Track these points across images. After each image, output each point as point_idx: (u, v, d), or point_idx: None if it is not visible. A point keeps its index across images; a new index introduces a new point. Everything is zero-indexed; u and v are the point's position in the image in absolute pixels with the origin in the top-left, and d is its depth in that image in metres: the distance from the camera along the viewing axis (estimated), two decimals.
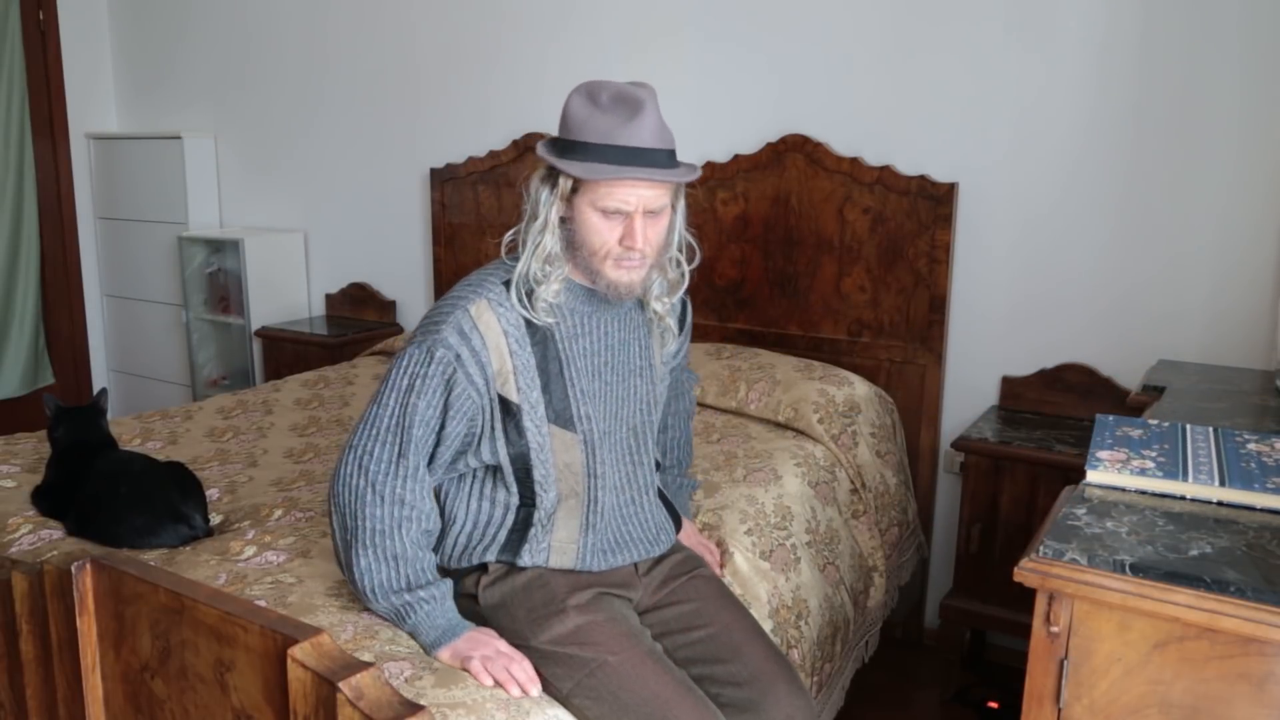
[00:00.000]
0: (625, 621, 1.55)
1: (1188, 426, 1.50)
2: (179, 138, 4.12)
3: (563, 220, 1.54)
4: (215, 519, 2.04)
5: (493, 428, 1.54)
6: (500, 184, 3.43)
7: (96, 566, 1.36)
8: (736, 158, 2.96)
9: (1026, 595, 1.15)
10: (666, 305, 1.65)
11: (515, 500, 1.58)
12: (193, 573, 1.71)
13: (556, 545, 1.58)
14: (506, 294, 1.53)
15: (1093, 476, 1.31)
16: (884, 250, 2.78)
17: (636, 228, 1.49)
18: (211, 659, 1.25)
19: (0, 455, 2.33)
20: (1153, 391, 1.88)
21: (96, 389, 4.55)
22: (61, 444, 2.10)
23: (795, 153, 2.86)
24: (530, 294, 1.53)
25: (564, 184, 1.51)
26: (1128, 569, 1.07)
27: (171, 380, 4.36)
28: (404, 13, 3.62)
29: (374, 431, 1.49)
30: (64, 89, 4.31)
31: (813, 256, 2.88)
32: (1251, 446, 1.41)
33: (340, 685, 1.11)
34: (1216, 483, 1.26)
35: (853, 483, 2.47)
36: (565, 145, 1.51)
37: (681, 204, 1.60)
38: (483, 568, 1.60)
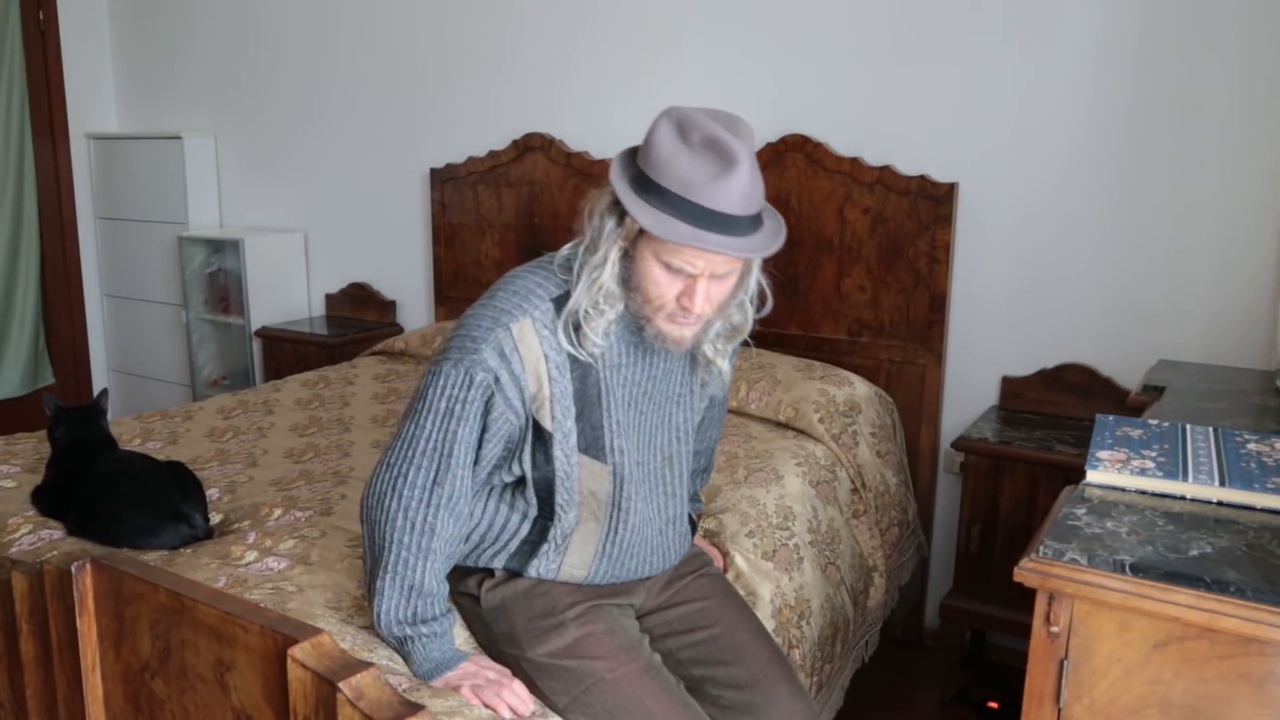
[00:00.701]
0: (624, 633, 1.53)
1: (1188, 426, 1.49)
2: (179, 138, 4.12)
3: (623, 252, 1.41)
4: (215, 519, 2.04)
5: (521, 449, 1.48)
6: (500, 184, 3.43)
7: (96, 566, 1.36)
8: None
9: (1026, 595, 1.15)
10: (721, 352, 1.54)
11: (533, 511, 1.52)
12: (192, 576, 1.71)
13: (567, 566, 1.54)
14: (555, 317, 1.42)
15: (1093, 476, 1.31)
16: (884, 250, 2.78)
17: (698, 291, 1.37)
18: (211, 659, 1.25)
19: (0, 455, 2.33)
20: (1153, 391, 1.88)
21: (96, 389, 4.55)
22: (61, 444, 2.10)
23: (795, 153, 2.86)
24: (578, 327, 1.42)
25: (631, 223, 1.38)
26: (1128, 569, 1.07)
27: (172, 380, 4.36)
28: (404, 13, 3.62)
29: (410, 453, 1.42)
30: (64, 89, 4.31)
31: (813, 256, 2.88)
32: (1251, 446, 1.41)
33: (340, 685, 1.11)
34: (1216, 483, 1.26)
35: (853, 482, 2.47)
36: (642, 179, 1.37)
37: (758, 259, 1.46)
38: (489, 571, 1.57)
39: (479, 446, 1.44)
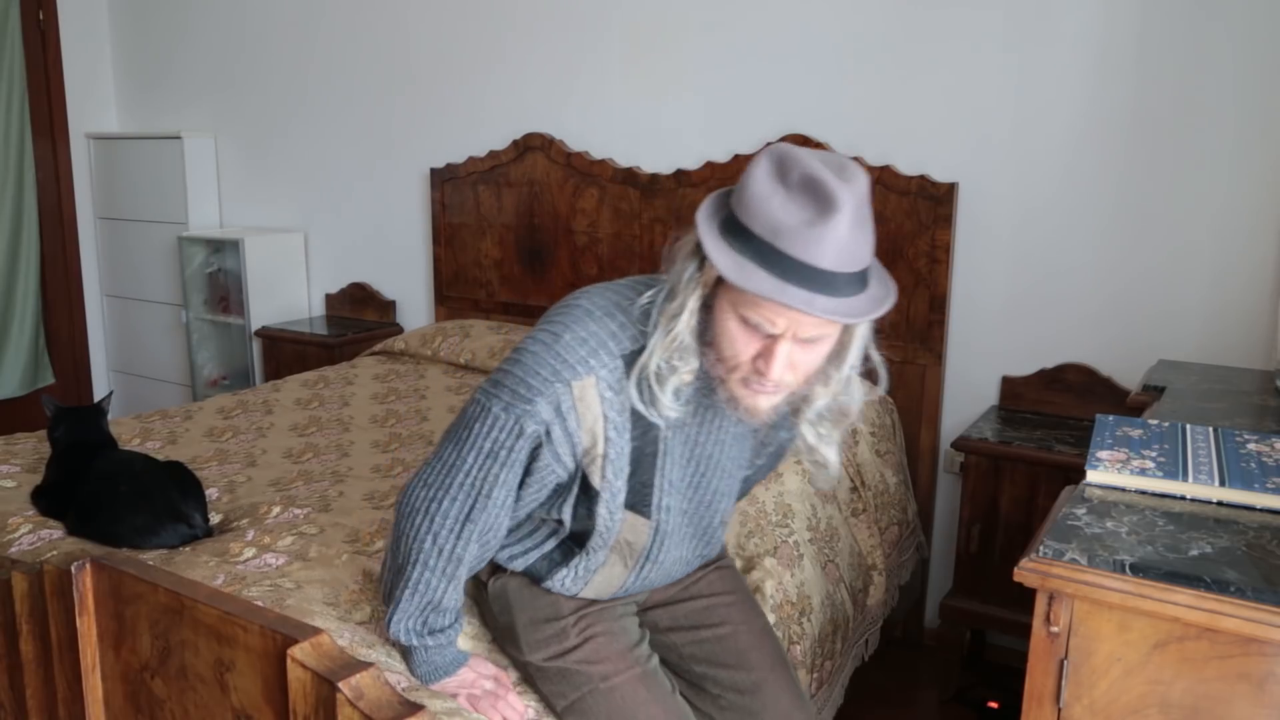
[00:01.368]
0: (624, 635, 1.50)
1: (1188, 426, 1.49)
2: (179, 138, 4.12)
3: (703, 303, 1.25)
4: (214, 519, 2.04)
5: (565, 498, 1.39)
6: (500, 184, 3.43)
7: (96, 566, 1.36)
8: (736, 158, 2.96)
9: (1026, 595, 1.15)
10: (826, 438, 1.34)
11: (564, 534, 1.45)
12: (191, 574, 1.71)
13: (586, 591, 1.49)
14: (624, 375, 1.29)
15: (1093, 476, 1.31)
16: (884, 250, 2.76)
17: (778, 355, 1.19)
18: (211, 659, 1.25)
19: (0, 455, 2.33)
20: (1153, 391, 1.88)
21: (96, 389, 4.55)
22: (61, 444, 2.10)
23: None
24: (650, 385, 1.28)
25: (710, 269, 1.22)
26: (1128, 569, 1.07)
27: (171, 380, 4.36)
28: (404, 13, 3.62)
29: (448, 482, 1.34)
30: (64, 89, 4.31)
31: None
32: (1251, 446, 1.41)
33: (340, 685, 1.11)
34: (1216, 483, 1.26)
35: (852, 481, 2.47)
36: (731, 221, 1.19)
37: (864, 327, 1.29)
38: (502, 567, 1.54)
39: (520, 487, 1.36)
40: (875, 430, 2.63)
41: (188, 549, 1.87)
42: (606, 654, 1.46)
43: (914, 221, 2.72)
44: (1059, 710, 1.13)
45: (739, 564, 1.97)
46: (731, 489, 1.49)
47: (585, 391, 1.28)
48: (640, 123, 3.18)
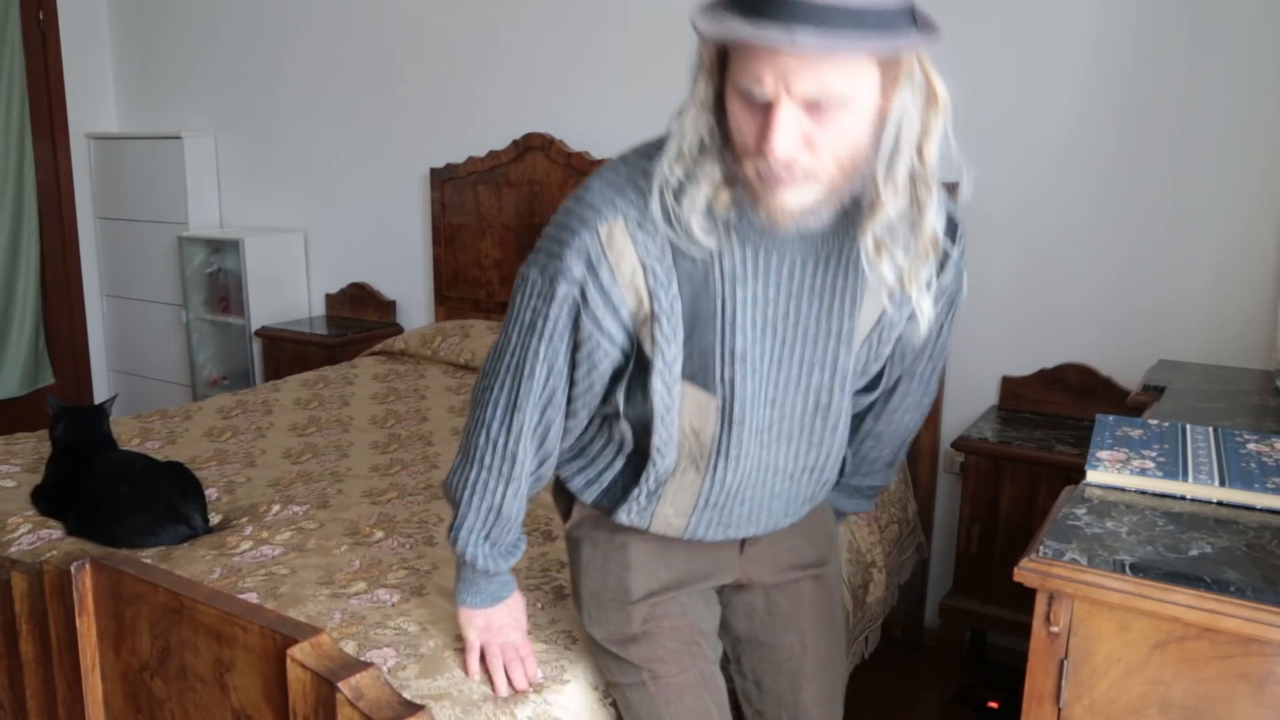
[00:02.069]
0: (689, 631, 1.38)
1: (1188, 426, 1.49)
2: (179, 138, 4.12)
3: (716, 97, 1.06)
4: (214, 519, 2.04)
5: (619, 385, 1.23)
6: (500, 184, 3.43)
7: (96, 567, 1.36)
8: None
9: (1026, 595, 1.15)
10: (911, 276, 1.10)
11: (629, 446, 1.28)
12: (188, 568, 1.72)
13: (661, 516, 1.30)
14: (647, 209, 1.11)
15: (1093, 476, 1.31)
16: None
17: (777, 123, 0.98)
18: (211, 659, 1.25)
19: (0, 455, 2.33)
20: (1153, 391, 1.88)
21: (96, 389, 4.55)
22: (61, 443, 2.10)
23: None
24: (671, 207, 1.10)
25: (705, 48, 1.04)
26: (1128, 569, 1.07)
27: (171, 380, 4.36)
28: (404, 13, 3.62)
29: (496, 367, 1.23)
30: (64, 89, 4.31)
31: None
32: (1251, 446, 1.41)
33: (340, 685, 1.11)
34: (1216, 483, 1.26)
35: None
36: None
37: (912, 101, 1.05)
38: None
39: (572, 374, 1.21)
40: None
41: (185, 545, 1.87)
42: (664, 652, 1.35)
43: None
44: (1059, 710, 1.13)
45: None
46: (835, 391, 1.22)
47: (614, 235, 1.12)
48: (640, 123, 3.17)
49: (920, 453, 2.82)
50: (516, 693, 1.40)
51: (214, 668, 1.25)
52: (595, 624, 1.39)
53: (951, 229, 1.18)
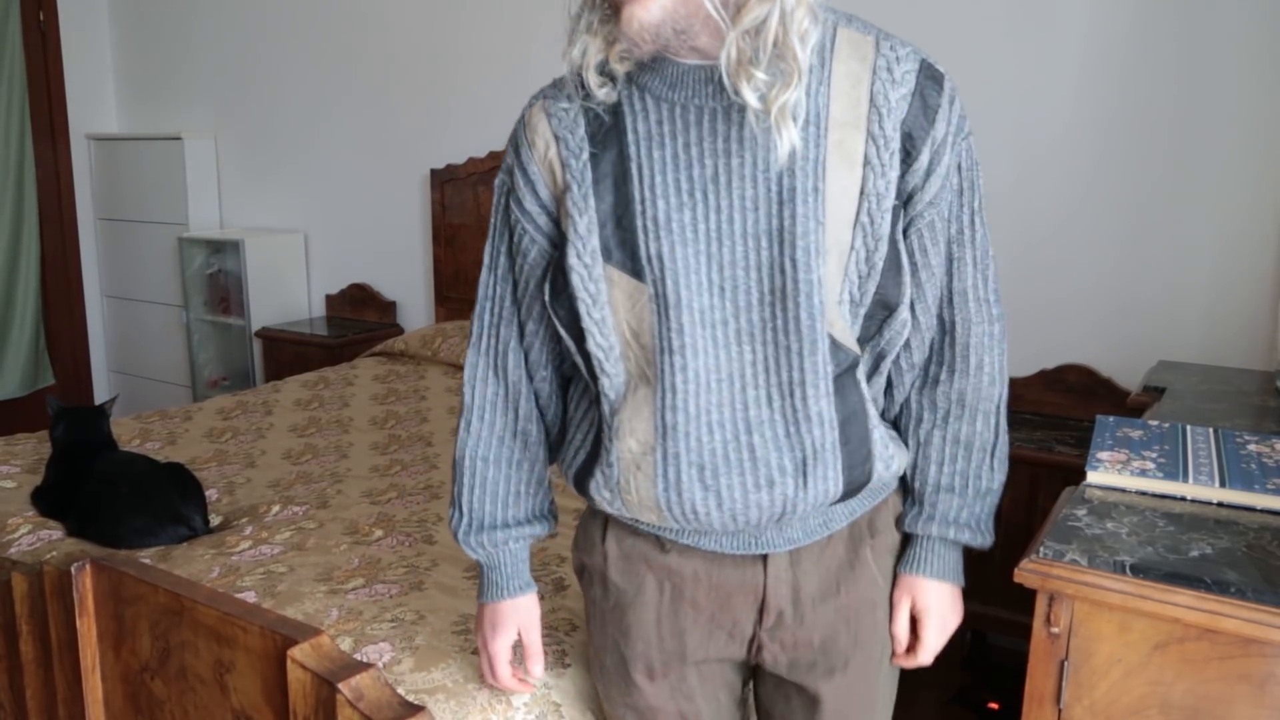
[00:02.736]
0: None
1: (1188, 427, 1.49)
2: (179, 139, 4.12)
3: None
4: (214, 520, 2.04)
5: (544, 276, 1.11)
6: None
7: (96, 567, 1.36)
8: None
9: (1027, 596, 1.15)
10: (760, 93, 0.95)
11: (593, 391, 1.11)
12: (187, 567, 1.72)
13: (626, 464, 1.06)
14: (563, 84, 1.07)
15: (1093, 477, 1.31)
16: None
17: None
18: (211, 660, 1.25)
19: (0, 456, 2.33)
20: (1153, 392, 1.88)
21: (97, 389, 4.55)
22: (62, 444, 2.10)
23: None
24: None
25: None
26: (1128, 570, 1.07)
27: (172, 381, 4.36)
28: (403, 14, 3.62)
29: (479, 285, 1.18)
30: (64, 90, 4.31)
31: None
32: (1252, 447, 1.41)
33: (340, 686, 1.11)
34: (1217, 484, 1.26)
35: None
36: None
37: None
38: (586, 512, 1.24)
39: (518, 277, 1.14)
40: None
41: (184, 545, 1.87)
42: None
43: None
44: (1059, 711, 1.13)
45: None
46: (781, 242, 0.98)
47: (533, 117, 1.10)
48: None
49: None
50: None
51: (214, 668, 1.25)
52: (596, 677, 1.25)
53: (933, 75, 1.02)
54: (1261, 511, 1.22)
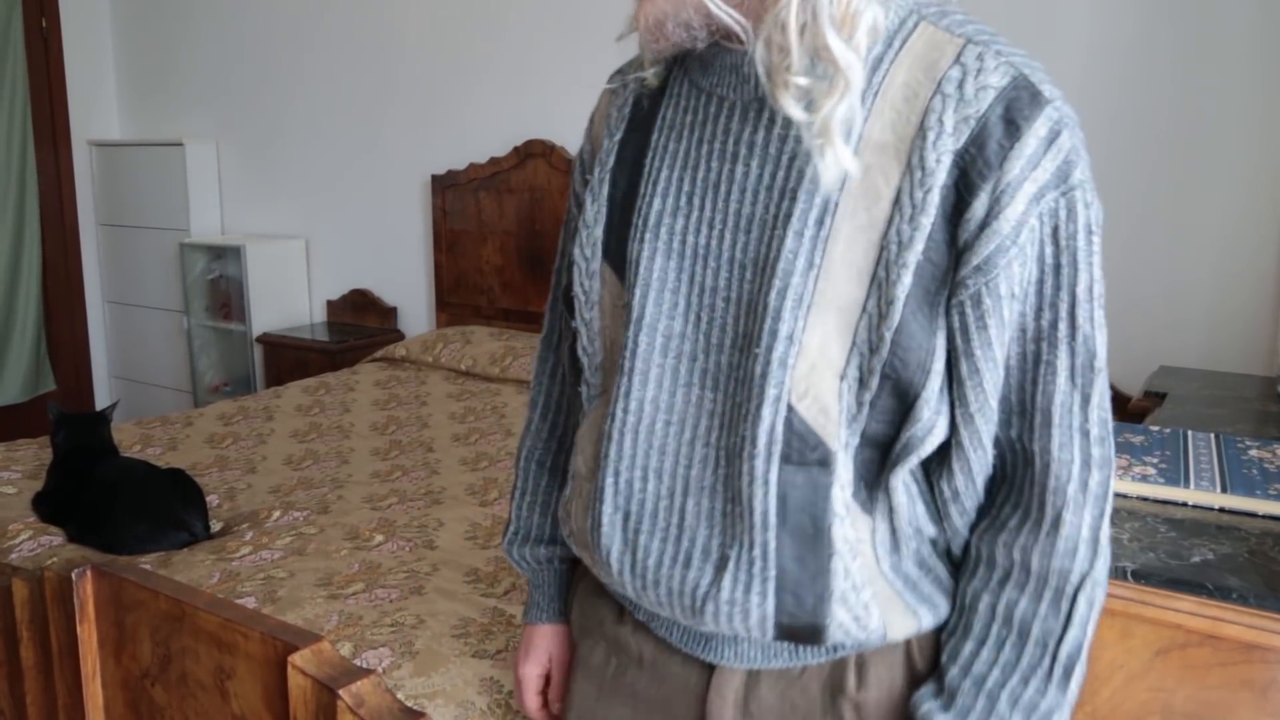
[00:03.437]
0: None
1: (1189, 433, 1.49)
2: (181, 144, 4.13)
3: None
4: (215, 526, 2.04)
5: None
6: (501, 190, 3.44)
7: (97, 573, 1.36)
8: None
9: None
10: (807, 98, 0.75)
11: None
12: (187, 572, 1.72)
13: (573, 484, 0.94)
14: (637, 61, 0.95)
15: None
16: None
17: None
18: (212, 666, 1.25)
19: (1, 461, 2.33)
20: (1154, 397, 1.88)
21: (98, 395, 4.56)
22: (62, 450, 2.10)
23: None
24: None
25: None
26: (1130, 576, 1.07)
27: (173, 387, 4.36)
28: (404, 20, 3.62)
29: None
30: (66, 95, 4.32)
31: None
32: (1253, 453, 1.41)
33: (340, 692, 1.11)
34: (1218, 489, 1.26)
35: None
36: None
37: None
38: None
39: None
40: None
41: (185, 550, 1.87)
42: None
43: None
44: None
45: None
46: (763, 273, 0.78)
47: (603, 94, 0.99)
48: None
49: None
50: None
51: (215, 675, 1.25)
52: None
53: (1025, 96, 0.78)
54: (1263, 517, 1.22)
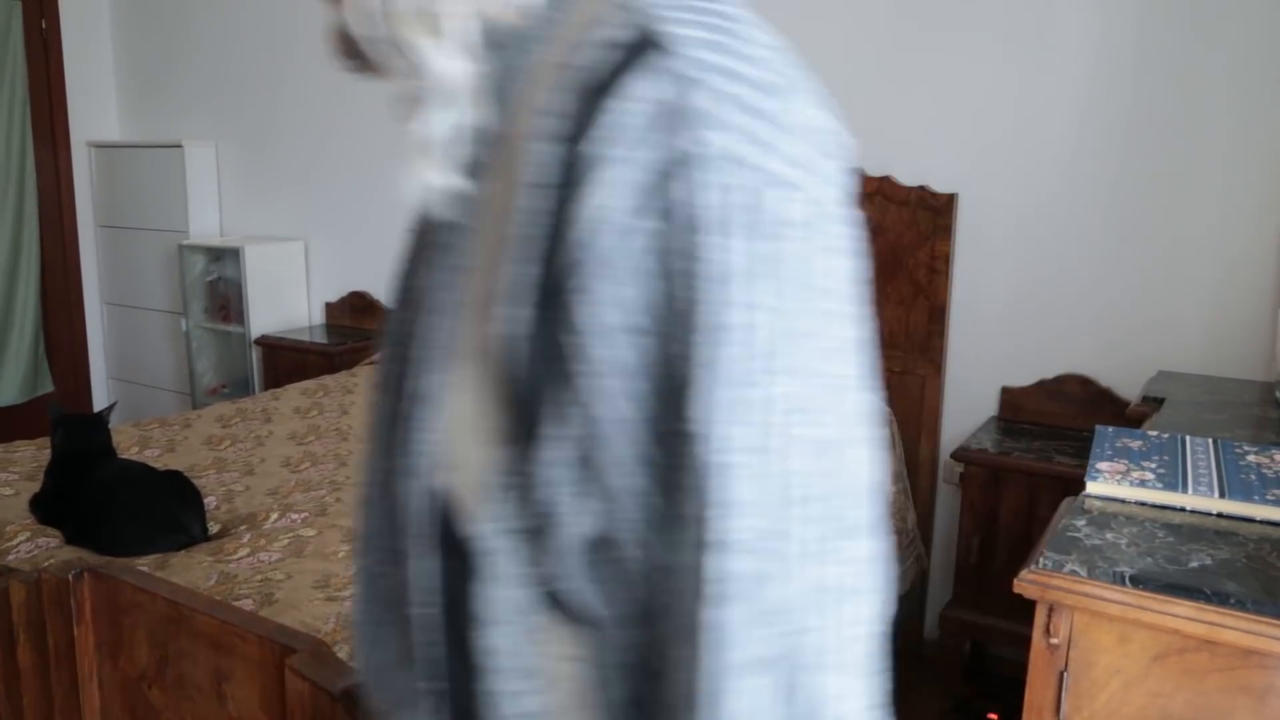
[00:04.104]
0: None
1: (1187, 438, 1.49)
2: (180, 146, 4.12)
3: None
4: (213, 528, 2.04)
5: None
6: None
7: (94, 576, 1.36)
8: None
9: (1026, 606, 1.15)
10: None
11: None
12: (184, 574, 1.71)
13: None
14: None
15: (1092, 488, 1.31)
16: (883, 261, 2.78)
17: None
18: (209, 669, 1.25)
19: None
20: (1152, 403, 1.89)
21: (96, 397, 4.55)
22: (60, 451, 2.10)
23: None
24: None
25: None
26: (1127, 580, 1.07)
27: (170, 388, 4.36)
28: None
29: None
30: (65, 97, 4.32)
31: None
32: (1251, 458, 1.41)
33: (338, 695, 1.10)
34: (1216, 494, 1.26)
35: None
36: None
37: None
38: None
39: None
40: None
41: (182, 552, 1.87)
42: None
43: (914, 232, 2.73)
44: None
45: None
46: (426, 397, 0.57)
47: None
48: None
49: (920, 463, 2.82)
50: None
51: (212, 677, 1.25)
52: None
53: (636, 50, 0.50)
54: (1261, 523, 1.22)
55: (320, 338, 3.81)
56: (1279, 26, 2.30)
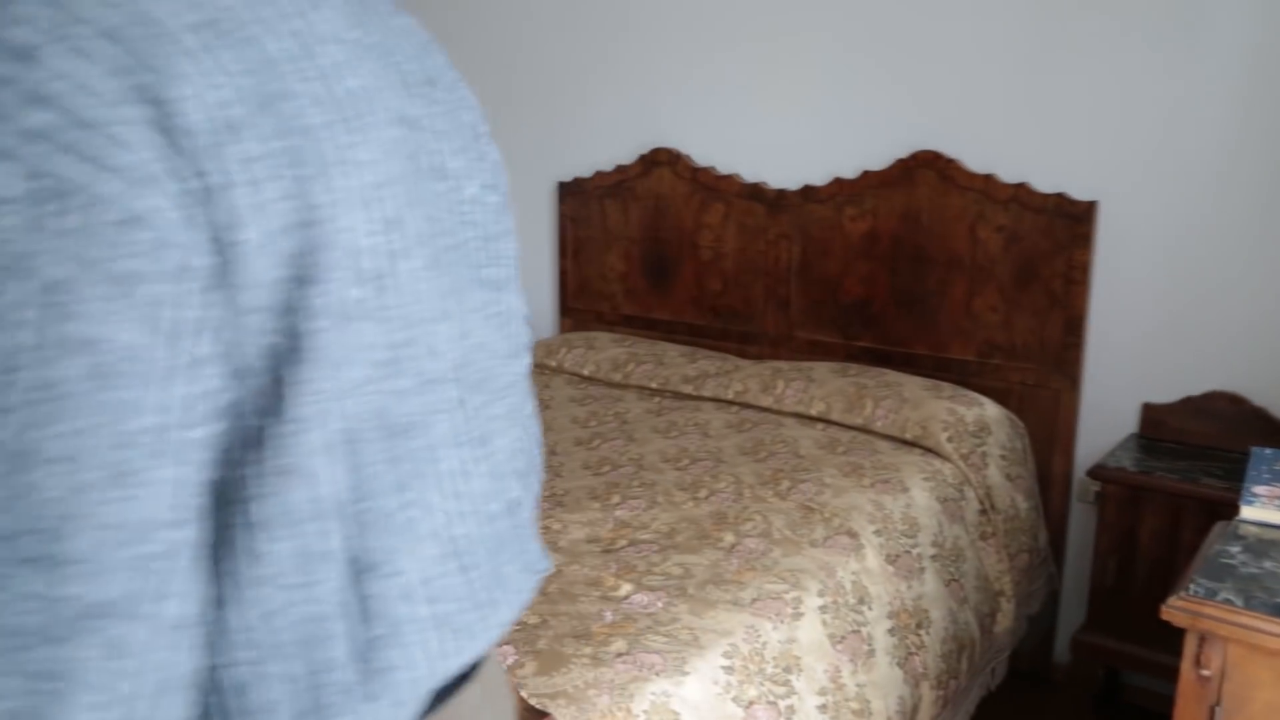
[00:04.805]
0: None
1: None
2: None
3: None
4: None
5: None
6: (627, 198, 3.48)
7: None
8: (866, 174, 2.92)
9: (1167, 634, 1.10)
10: None
11: None
12: None
13: None
14: None
15: (1248, 513, 1.25)
16: (1018, 270, 2.70)
17: None
18: None
19: None
20: None
21: None
22: None
23: (926, 169, 2.81)
24: None
25: None
26: None
27: None
28: (534, 25, 3.70)
29: None
30: None
31: (943, 276, 2.82)
32: None
33: None
34: None
35: (981, 504, 2.41)
36: None
37: None
38: None
39: None
40: (1006, 453, 2.55)
41: None
42: None
43: (1050, 241, 2.64)
44: None
45: (866, 552, 1.93)
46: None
47: None
48: (766, 137, 3.18)
49: (1053, 480, 2.73)
50: None
51: None
52: None
53: None
54: None
55: None
56: None
